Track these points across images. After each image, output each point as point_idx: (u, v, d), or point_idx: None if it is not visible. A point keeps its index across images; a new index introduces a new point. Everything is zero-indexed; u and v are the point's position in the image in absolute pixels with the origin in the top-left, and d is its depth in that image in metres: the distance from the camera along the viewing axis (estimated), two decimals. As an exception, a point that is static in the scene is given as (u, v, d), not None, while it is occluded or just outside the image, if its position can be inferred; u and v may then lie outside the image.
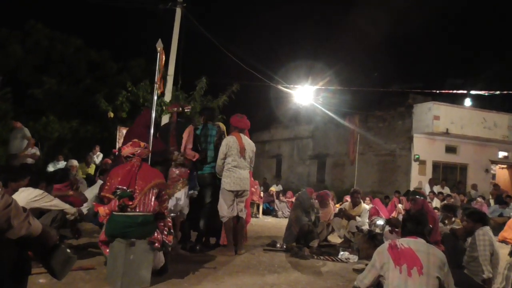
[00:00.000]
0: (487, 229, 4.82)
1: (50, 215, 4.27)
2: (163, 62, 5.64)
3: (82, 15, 26.27)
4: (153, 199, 3.84)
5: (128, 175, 3.87)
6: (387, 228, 6.17)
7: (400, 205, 10.78)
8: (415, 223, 3.29)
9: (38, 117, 15.54)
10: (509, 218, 10.65)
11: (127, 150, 4.09)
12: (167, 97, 12.20)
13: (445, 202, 11.53)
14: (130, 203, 3.73)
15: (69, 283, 3.55)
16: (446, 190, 14.32)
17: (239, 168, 5.51)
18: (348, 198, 8.87)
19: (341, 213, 7.32)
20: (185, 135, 5.43)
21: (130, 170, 3.91)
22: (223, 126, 6.20)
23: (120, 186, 3.81)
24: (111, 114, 12.69)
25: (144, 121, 5.39)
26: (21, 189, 4.22)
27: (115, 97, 12.79)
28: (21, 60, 17.26)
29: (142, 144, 4.21)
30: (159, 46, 5.45)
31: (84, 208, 6.42)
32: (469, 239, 4.99)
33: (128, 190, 3.79)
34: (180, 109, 5.88)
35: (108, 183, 3.94)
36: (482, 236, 4.70)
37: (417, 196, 6.55)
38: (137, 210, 3.75)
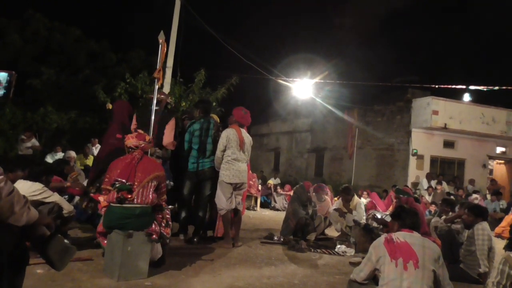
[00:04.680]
0: (486, 224, 4.87)
1: (46, 206, 4.27)
2: (165, 53, 5.62)
3: (81, 5, 26.09)
4: (151, 191, 3.84)
5: (128, 167, 3.86)
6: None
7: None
8: (414, 217, 3.31)
9: (36, 108, 15.45)
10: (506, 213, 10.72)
11: (131, 141, 4.05)
12: (166, 89, 12.19)
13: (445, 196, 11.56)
14: (129, 196, 3.73)
15: (66, 274, 3.56)
16: (444, 185, 14.35)
17: (238, 161, 5.52)
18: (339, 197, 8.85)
19: (339, 212, 7.30)
20: (169, 128, 5.50)
21: (130, 162, 3.89)
22: (217, 118, 6.20)
23: (119, 179, 3.80)
24: (110, 106, 12.65)
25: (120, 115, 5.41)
26: (19, 181, 4.21)
27: (114, 89, 12.77)
28: (20, 50, 17.14)
29: (148, 138, 4.18)
30: (161, 37, 5.42)
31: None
32: (465, 233, 5.03)
33: (127, 183, 3.78)
34: (169, 99, 5.99)
35: (107, 175, 3.94)
36: (481, 231, 4.74)
37: (401, 195, 6.64)
38: (135, 202, 3.76)
